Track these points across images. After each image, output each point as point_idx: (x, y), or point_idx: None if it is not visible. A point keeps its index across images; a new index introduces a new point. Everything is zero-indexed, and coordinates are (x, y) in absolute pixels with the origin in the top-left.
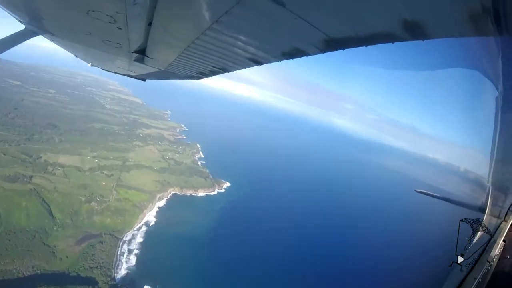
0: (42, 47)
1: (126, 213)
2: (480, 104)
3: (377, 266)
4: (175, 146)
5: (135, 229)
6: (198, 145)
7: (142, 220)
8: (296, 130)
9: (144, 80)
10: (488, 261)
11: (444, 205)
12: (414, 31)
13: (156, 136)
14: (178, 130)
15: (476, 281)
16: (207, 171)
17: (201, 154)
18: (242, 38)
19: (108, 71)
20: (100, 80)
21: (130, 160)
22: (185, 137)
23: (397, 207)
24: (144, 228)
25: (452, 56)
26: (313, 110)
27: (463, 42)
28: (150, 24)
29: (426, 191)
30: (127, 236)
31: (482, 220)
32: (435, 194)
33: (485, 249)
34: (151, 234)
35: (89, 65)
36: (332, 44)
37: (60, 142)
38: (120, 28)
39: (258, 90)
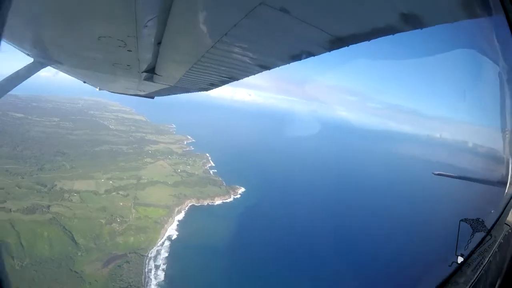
0: (41, 77)
1: (148, 230)
2: (482, 80)
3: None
4: (185, 158)
5: (158, 244)
6: (207, 154)
7: (164, 235)
8: (302, 128)
9: (153, 97)
10: (506, 223)
11: (464, 184)
12: (411, 21)
13: (165, 151)
14: (185, 142)
15: (498, 241)
16: (220, 179)
17: (212, 163)
18: (251, 47)
19: (116, 93)
20: (101, 102)
21: (144, 177)
22: (193, 148)
23: (420, 193)
24: (167, 243)
25: (449, 39)
26: (316, 106)
27: (457, 24)
28: (159, 43)
29: (444, 173)
30: (152, 253)
31: (504, 192)
32: (453, 175)
33: (503, 211)
34: (175, 247)
35: (97, 89)
36: (337, 42)
37: (71, 168)
38: (130, 51)
39: (258, 93)
